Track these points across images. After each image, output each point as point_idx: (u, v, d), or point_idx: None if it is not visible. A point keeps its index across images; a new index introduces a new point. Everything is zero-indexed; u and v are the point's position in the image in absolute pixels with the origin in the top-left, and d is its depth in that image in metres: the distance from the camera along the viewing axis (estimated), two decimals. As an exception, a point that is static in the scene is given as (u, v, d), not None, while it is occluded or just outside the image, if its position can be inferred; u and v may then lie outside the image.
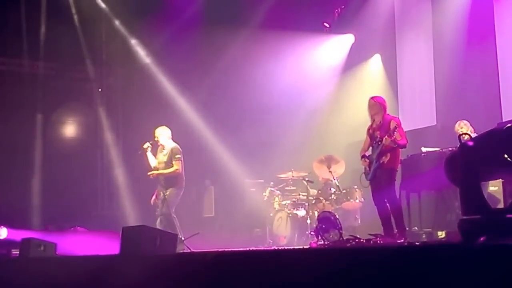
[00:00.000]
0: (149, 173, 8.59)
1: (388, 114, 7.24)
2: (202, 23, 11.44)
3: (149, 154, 8.61)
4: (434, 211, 8.08)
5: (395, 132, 6.82)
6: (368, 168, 7.18)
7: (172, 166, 8.43)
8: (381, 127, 7.07)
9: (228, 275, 5.30)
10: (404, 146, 7.05)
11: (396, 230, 6.93)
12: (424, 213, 8.01)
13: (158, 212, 8.52)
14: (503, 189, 7.00)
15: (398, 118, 7.41)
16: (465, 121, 8.06)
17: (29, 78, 11.68)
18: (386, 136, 6.86)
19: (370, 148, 7.28)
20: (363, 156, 7.23)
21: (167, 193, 8.37)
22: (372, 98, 7.36)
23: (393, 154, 6.99)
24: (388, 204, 7.00)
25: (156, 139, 8.56)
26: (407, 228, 7.16)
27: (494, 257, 3.64)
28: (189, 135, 10.78)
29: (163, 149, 8.61)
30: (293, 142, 11.40)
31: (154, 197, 8.67)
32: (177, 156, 8.43)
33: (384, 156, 6.97)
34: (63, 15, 11.56)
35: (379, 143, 6.99)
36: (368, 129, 7.32)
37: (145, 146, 8.56)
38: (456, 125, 8.11)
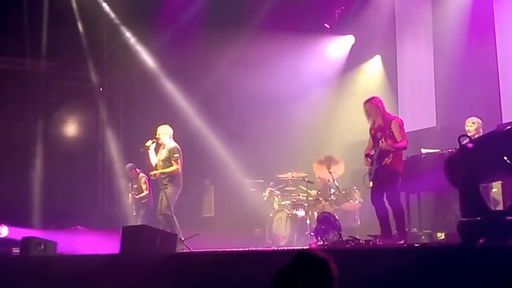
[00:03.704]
0: (151, 173, 8.65)
1: (388, 114, 7.06)
2: (203, 24, 11.44)
3: (151, 152, 8.66)
4: (433, 212, 8.06)
5: (392, 134, 6.71)
6: (370, 168, 7.10)
7: (171, 165, 8.48)
8: (383, 128, 6.96)
9: (227, 275, 5.33)
10: (403, 148, 6.89)
11: (395, 232, 6.87)
12: (424, 214, 7.99)
13: (142, 212, 9.96)
14: (502, 191, 6.96)
15: (400, 118, 7.18)
16: (474, 118, 7.90)
17: (31, 77, 11.72)
18: (382, 140, 6.77)
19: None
20: (367, 155, 7.09)
21: (167, 190, 8.39)
22: (367, 101, 7.03)
23: (395, 156, 6.83)
24: (389, 206, 6.92)
25: (157, 137, 8.61)
26: (406, 230, 7.13)
27: (493, 258, 3.66)
28: (189, 134, 10.78)
29: (163, 148, 8.65)
30: (293, 143, 11.39)
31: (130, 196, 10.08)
32: (175, 155, 8.46)
33: (387, 158, 6.82)
34: (65, 14, 11.59)
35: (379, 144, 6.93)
36: (370, 130, 7.16)
37: (148, 143, 8.62)
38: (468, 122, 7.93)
